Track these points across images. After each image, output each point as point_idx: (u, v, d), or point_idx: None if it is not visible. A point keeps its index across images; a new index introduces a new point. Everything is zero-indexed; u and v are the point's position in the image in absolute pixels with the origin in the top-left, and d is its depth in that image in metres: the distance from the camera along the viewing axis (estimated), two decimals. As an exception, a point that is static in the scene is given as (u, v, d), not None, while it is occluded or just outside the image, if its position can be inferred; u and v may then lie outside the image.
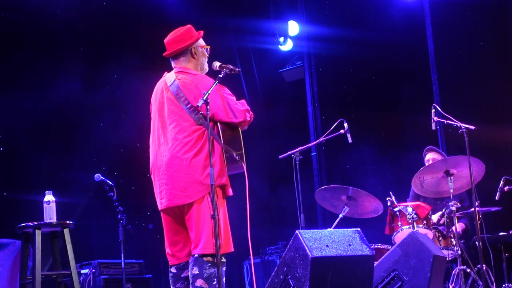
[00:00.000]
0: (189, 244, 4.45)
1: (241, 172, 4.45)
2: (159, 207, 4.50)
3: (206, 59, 4.66)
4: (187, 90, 4.44)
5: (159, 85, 4.64)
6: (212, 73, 4.61)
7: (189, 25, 4.64)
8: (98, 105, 8.22)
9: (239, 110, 4.46)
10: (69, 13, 8.04)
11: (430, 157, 6.82)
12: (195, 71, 4.56)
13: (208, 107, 4.24)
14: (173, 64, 4.64)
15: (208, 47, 4.68)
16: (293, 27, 9.60)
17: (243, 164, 4.43)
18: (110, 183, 5.87)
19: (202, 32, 4.65)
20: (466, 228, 6.65)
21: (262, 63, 9.95)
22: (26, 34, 7.82)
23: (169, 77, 4.56)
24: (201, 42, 4.65)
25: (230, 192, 4.49)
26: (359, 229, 4.43)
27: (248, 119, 4.50)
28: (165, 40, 4.62)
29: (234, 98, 4.51)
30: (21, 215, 6.34)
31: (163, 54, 4.63)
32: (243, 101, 4.57)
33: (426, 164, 6.71)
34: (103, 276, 6.92)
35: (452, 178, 5.97)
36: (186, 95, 4.43)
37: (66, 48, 8.06)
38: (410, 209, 6.06)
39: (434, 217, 6.33)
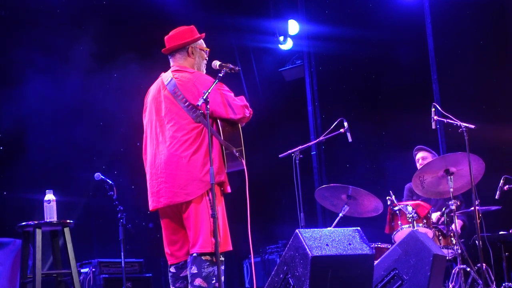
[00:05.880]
0: (187, 243, 4.43)
1: (241, 169, 4.45)
2: (155, 206, 4.43)
3: (205, 61, 4.63)
4: (184, 88, 4.43)
5: (155, 84, 4.63)
6: (212, 72, 4.61)
7: (192, 25, 4.64)
8: (98, 104, 8.23)
9: (238, 106, 4.45)
10: (69, 10, 8.05)
11: (420, 156, 6.82)
12: (191, 69, 4.55)
13: (208, 106, 4.24)
14: (171, 62, 4.63)
15: (208, 49, 4.67)
16: (293, 26, 9.60)
17: (243, 160, 4.41)
18: (110, 182, 5.88)
19: (203, 34, 4.64)
20: (464, 224, 6.64)
21: (262, 62, 9.95)
22: (27, 32, 7.82)
23: (165, 76, 4.56)
24: (201, 43, 4.64)
25: (228, 189, 4.48)
26: (359, 228, 4.43)
27: (248, 115, 4.49)
28: (165, 37, 4.62)
29: (232, 94, 4.50)
30: (21, 214, 6.35)
31: (162, 50, 4.63)
32: (241, 97, 4.55)
33: (417, 164, 6.74)
34: (103, 275, 6.92)
35: (452, 177, 5.96)
36: (184, 93, 4.42)
37: (67, 45, 8.06)
38: (410, 208, 6.07)
39: (433, 216, 6.33)
